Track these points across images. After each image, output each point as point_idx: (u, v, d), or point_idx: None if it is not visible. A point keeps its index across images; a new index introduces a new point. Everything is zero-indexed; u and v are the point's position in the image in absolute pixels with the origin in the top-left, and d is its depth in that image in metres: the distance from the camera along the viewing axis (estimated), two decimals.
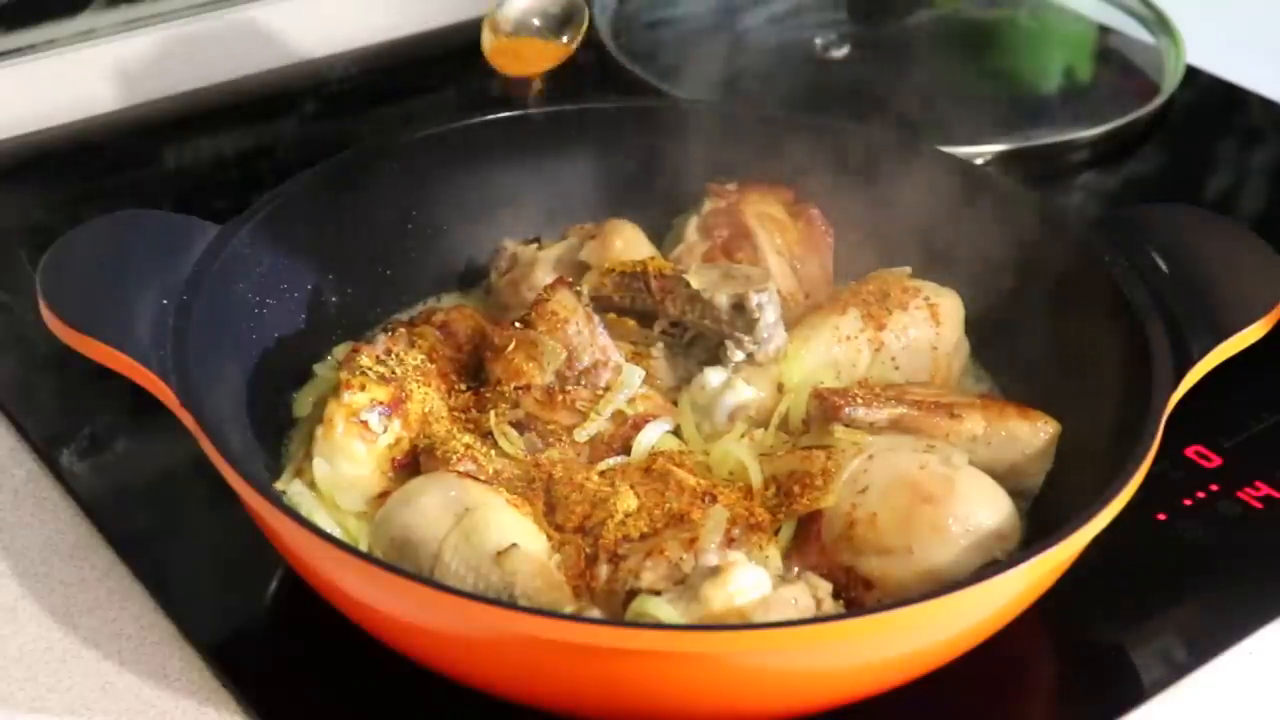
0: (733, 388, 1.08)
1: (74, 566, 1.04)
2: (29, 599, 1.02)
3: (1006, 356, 1.16)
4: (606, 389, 1.07)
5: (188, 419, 0.93)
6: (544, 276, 1.17)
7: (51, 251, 1.02)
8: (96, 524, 1.07)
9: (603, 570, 0.94)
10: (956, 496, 0.97)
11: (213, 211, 1.10)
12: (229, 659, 0.97)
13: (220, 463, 0.90)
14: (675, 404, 1.09)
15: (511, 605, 0.85)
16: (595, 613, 0.92)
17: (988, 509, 0.97)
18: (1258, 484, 1.11)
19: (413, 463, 1.03)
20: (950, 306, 1.15)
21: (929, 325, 1.14)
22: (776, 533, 0.99)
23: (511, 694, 0.90)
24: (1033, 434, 1.05)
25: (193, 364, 0.97)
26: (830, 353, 1.13)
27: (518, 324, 1.10)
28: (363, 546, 0.98)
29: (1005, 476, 1.02)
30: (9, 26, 1.51)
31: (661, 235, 1.26)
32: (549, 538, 0.97)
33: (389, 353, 1.06)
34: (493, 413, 1.05)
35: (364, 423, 1.02)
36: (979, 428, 1.04)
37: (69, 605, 1.01)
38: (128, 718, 0.94)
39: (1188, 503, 1.09)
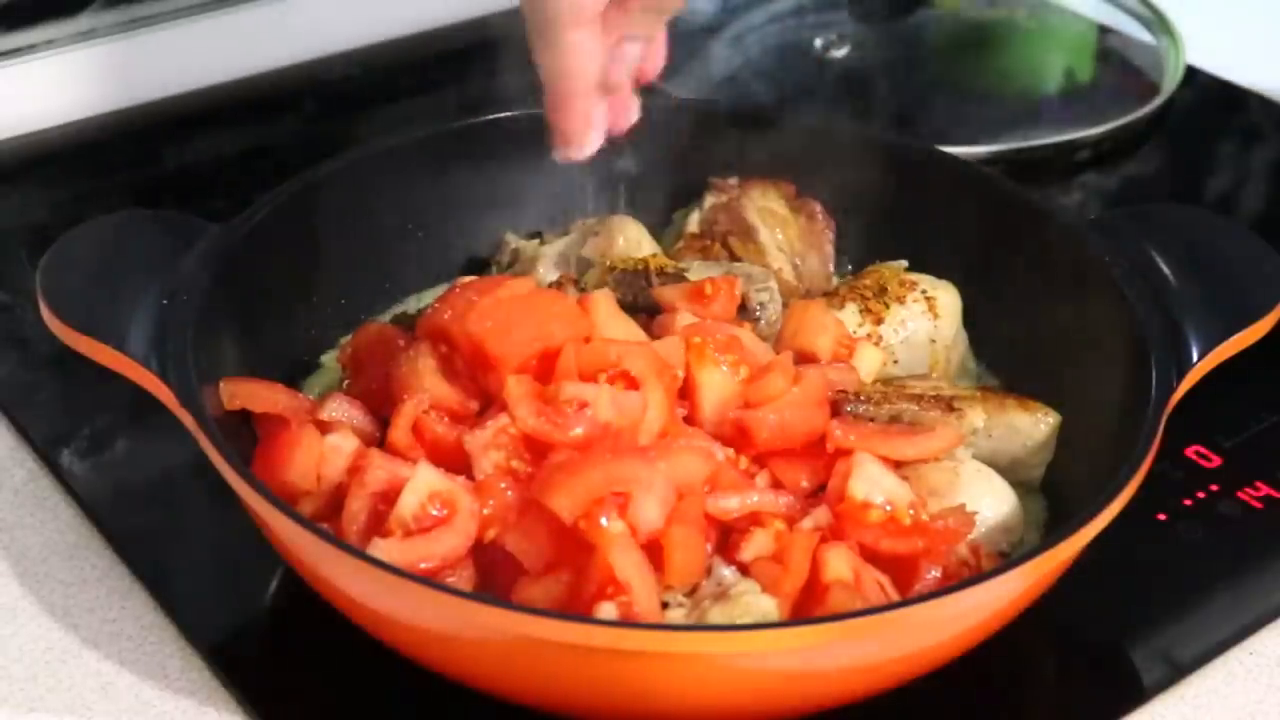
0: None
1: (74, 566, 1.04)
2: (29, 599, 1.02)
3: (1006, 352, 1.16)
4: None
5: (188, 419, 0.92)
6: (546, 272, 1.17)
7: (51, 251, 1.02)
8: (96, 524, 1.07)
9: None
10: (960, 490, 0.97)
11: (213, 211, 1.10)
12: (229, 659, 0.97)
13: (220, 463, 0.90)
14: None
15: (511, 605, 0.85)
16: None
17: (992, 502, 0.97)
18: (1258, 484, 1.11)
19: None
20: (948, 299, 1.15)
21: (927, 318, 1.14)
22: None
23: (511, 694, 0.90)
24: (1033, 425, 1.05)
25: (193, 364, 0.96)
26: None
27: None
28: None
29: (1007, 469, 1.02)
30: (9, 26, 1.50)
31: (663, 232, 1.26)
32: None
33: None
34: None
35: None
36: (979, 420, 1.04)
37: (69, 605, 1.01)
38: (128, 718, 0.94)
39: (1188, 503, 1.09)
